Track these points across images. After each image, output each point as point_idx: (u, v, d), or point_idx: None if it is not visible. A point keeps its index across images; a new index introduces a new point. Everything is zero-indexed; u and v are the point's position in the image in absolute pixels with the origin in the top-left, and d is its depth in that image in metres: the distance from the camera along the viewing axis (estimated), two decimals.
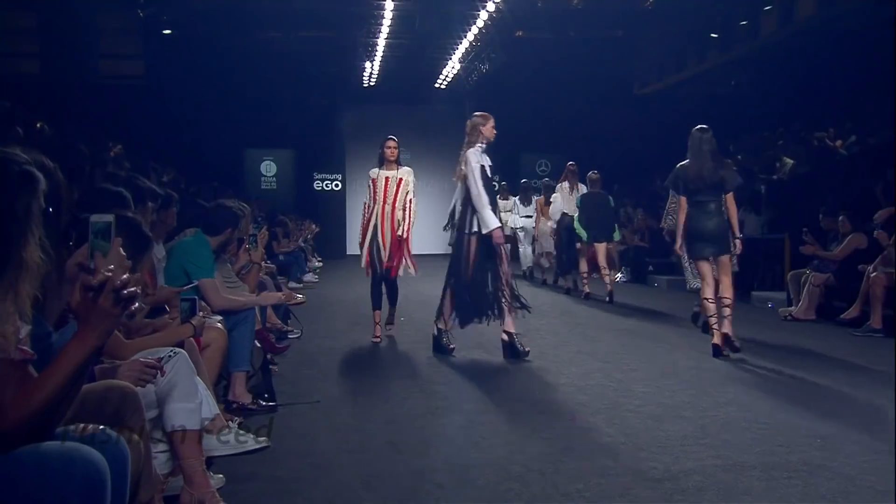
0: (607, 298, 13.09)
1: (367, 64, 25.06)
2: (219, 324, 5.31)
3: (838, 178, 15.25)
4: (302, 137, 25.96)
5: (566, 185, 14.71)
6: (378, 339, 9.20)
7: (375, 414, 5.93)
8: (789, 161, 18.54)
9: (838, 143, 18.12)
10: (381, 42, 22.66)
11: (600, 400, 6.34)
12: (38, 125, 10.73)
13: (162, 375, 3.48)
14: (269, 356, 6.97)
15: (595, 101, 26.02)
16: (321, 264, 19.42)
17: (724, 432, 5.45)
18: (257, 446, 4.56)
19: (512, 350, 8.11)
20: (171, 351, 3.75)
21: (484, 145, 8.72)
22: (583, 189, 14.22)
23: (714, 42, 23.56)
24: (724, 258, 8.58)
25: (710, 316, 8.45)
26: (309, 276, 16.15)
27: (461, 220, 8.46)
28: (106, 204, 4.25)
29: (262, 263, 7.65)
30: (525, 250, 18.16)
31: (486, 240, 8.16)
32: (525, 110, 26.53)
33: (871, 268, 10.34)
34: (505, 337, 8.18)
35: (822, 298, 11.20)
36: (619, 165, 25.95)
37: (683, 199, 8.63)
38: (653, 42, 26.21)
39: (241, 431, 4.55)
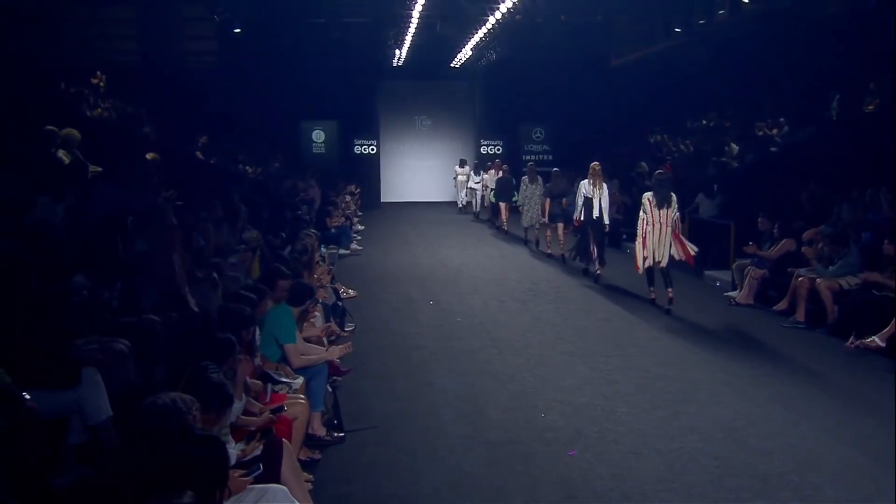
0: (505, 228, 19.64)
1: (396, 51, 24.78)
2: (301, 397, 5.49)
3: (775, 173, 15.13)
4: (344, 110, 25.93)
5: (493, 172, 21.64)
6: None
7: (420, 446, 6.07)
8: (735, 147, 18.32)
9: (774, 131, 17.89)
10: (408, 38, 22.40)
11: (592, 425, 6.48)
12: (150, 156, 10.68)
13: None
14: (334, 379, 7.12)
15: (580, 72, 25.72)
16: (363, 227, 19.44)
17: (688, 472, 5.60)
18: None
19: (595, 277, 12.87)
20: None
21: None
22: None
23: (676, 26, 23.03)
24: (560, 224, 15.33)
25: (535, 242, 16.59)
26: (354, 245, 16.19)
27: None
28: (219, 352, 4.40)
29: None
30: (462, 198, 24.95)
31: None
32: (523, 86, 26.33)
33: (798, 271, 10.43)
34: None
35: (759, 288, 11.30)
36: (598, 130, 25.85)
37: (548, 200, 15.59)
38: (626, 24, 25.68)
39: None
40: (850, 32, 17.02)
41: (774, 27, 19.79)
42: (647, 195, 10.82)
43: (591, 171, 12.79)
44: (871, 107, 15.60)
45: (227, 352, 4.41)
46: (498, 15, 19.11)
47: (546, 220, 15.79)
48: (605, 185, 12.89)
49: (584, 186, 12.75)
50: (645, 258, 10.73)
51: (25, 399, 4.09)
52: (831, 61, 17.68)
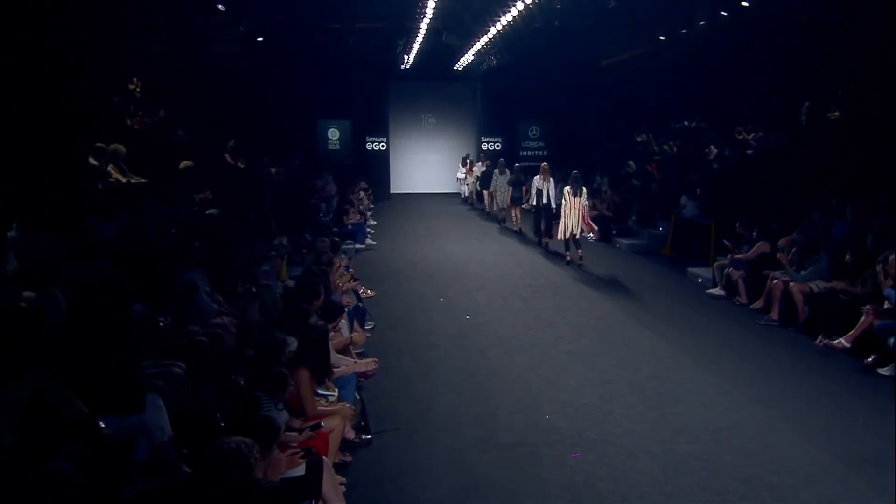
0: (487, 210, 22.00)
1: (405, 55, 24.71)
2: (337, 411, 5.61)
3: (752, 176, 15.15)
4: (356, 109, 25.92)
5: (479, 165, 23.42)
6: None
7: (440, 449, 6.17)
8: (714, 150, 18.31)
9: (751, 136, 17.89)
10: (416, 45, 22.33)
11: (592, 428, 6.58)
12: (184, 165, 10.71)
13: None
14: (359, 380, 7.23)
15: (573, 75, 25.66)
16: (375, 222, 19.45)
17: (680, 476, 5.71)
18: None
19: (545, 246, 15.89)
20: None
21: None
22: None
23: (658, 31, 22.91)
24: (517, 208, 18.39)
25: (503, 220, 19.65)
26: (368, 241, 16.24)
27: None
28: (273, 386, 4.51)
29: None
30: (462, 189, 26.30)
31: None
32: (521, 87, 26.22)
33: (772, 274, 10.54)
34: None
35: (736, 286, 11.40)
36: (589, 128, 25.81)
37: (511, 188, 18.56)
38: (614, 28, 25.56)
39: None
40: (820, 42, 17.00)
41: (752, 36, 19.69)
42: (567, 188, 13.93)
43: (541, 170, 15.77)
44: (836, 114, 15.62)
45: (280, 386, 4.52)
46: (499, 26, 19.03)
47: (510, 202, 18.75)
48: (551, 179, 15.70)
49: (537, 181, 15.75)
50: (564, 230, 13.90)
51: (101, 427, 4.22)
52: (802, 69, 17.67)
